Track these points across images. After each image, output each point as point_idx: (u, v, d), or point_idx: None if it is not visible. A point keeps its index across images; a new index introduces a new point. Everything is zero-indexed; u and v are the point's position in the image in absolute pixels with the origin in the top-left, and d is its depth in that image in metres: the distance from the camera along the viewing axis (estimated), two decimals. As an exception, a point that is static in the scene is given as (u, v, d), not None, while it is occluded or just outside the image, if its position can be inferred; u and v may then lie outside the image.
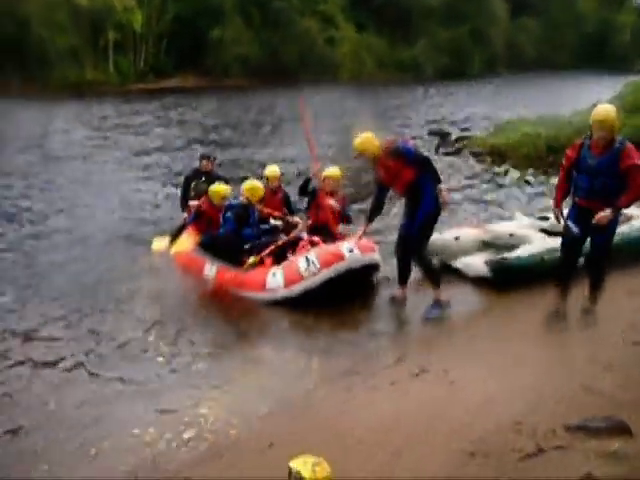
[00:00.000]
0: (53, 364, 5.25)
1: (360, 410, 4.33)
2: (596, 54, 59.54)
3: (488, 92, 34.93)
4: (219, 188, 7.34)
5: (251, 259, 6.57)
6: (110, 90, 31.94)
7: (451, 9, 50.32)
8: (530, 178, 12.65)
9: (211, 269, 6.75)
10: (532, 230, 7.35)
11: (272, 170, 7.52)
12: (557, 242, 6.64)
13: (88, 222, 9.62)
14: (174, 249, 7.30)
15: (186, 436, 4.18)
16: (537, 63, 53.67)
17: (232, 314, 6.22)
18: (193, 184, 8.11)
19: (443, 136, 17.14)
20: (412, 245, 6.03)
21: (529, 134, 14.19)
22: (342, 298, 6.01)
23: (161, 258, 7.40)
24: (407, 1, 47.47)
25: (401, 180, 5.94)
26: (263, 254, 6.59)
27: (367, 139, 6.05)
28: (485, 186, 12.15)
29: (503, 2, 54.93)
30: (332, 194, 7.20)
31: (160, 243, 7.84)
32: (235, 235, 6.80)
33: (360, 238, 6.45)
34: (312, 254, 6.28)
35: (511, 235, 7.22)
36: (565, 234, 5.41)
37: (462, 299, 6.51)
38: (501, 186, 12.18)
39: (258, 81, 36.66)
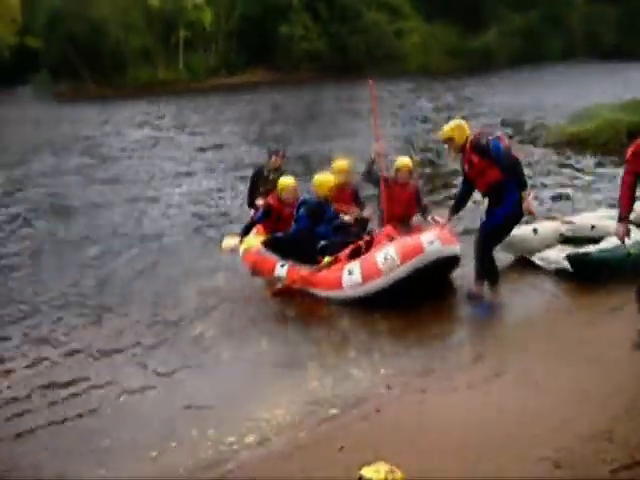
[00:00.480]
0: (121, 364, 5.28)
1: (435, 413, 4.12)
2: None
3: (563, 80, 33.61)
4: (287, 181, 7.10)
5: (326, 259, 6.30)
6: (181, 88, 32.46)
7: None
8: (610, 167, 12.05)
9: (282, 268, 6.54)
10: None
11: (340, 164, 7.29)
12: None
13: (153, 219, 9.74)
14: (243, 247, 7.19)
15: (249, 439, 4.06)
16: (616, 51, 51.39)
17: (300, 315, 6.05)
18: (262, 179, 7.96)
19: (517, 125, 16.57)
20: (481, 240, 5.75)
21: (609, 120, 13.56)
22: (415, 294, 5.72)
23: (230, 257, 7.33)
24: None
25: (484, 178, 5.61)
26: (340, 255, 6.30)
27: (457, 126, 5.74)
28: (562, 176, 11.64)
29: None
30: (404, 185, 7.01)
31: (230, 241, 7.79)
32: (309, 233, 6.56)
33: (442, 229, 6.14)
34: (391, 247, 5.94)
35: (593, 227, 6.85)
36: None
37: (541, 295, 6.20)
38: (579, 176, 11.63)
39: (328, 75, 36.57)
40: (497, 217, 5.65)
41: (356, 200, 7.32)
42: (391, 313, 5.70)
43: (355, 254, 6.30)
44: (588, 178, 11.44)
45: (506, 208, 5.59)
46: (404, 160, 7.12)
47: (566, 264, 6.25)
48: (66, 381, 5.01)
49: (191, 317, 6.08)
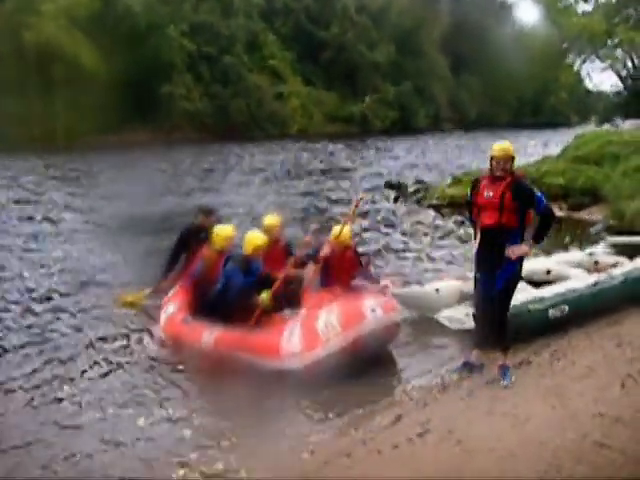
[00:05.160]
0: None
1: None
2: (535, 110, 62.16)
3: (435, 146, 35.77)
4: (227, 229, 6.64)
5: (264, 294, 5.95)
6: (59, 146, 30.98)
7: (396, 65, 51.94)
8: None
9: (210, 335, 5.97)
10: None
11: (271, 220, 7.00)
12: (543, 292, 6.65)
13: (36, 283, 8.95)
14: (163, 316, 6.59)
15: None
16: (479, 120, 55.51)
17: (224, 381, 5.68)
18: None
19: (400, 187, 17.19)
20: (506, 299, 5.40)
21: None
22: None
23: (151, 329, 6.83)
24: (354, 57, 48.76)
25: (500, 216, 5.14)
26: (275, 286, 5.99)
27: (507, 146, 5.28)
28: (449, 236, 12.17)
29: (444, 59, 57.00)
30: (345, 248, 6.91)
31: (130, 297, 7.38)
32: (242, 288, 6.07)
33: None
34: (332, 314, 5.72)
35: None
36: None
37: (448, 353, 6.33)
38: (464, 236, 12.18)
39: (209, 135, 36.65)
40: (508, 273, 5.28)
41: (289, 256, 6.94)
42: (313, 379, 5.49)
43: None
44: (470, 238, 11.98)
45: (512, 263, 5.24)
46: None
47: (470, 322, 6.43)
48: None
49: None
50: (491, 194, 5.18)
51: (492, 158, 5.24)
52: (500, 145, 5.27)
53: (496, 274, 5.26)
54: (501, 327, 5.41)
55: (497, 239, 5.20)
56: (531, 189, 5.21)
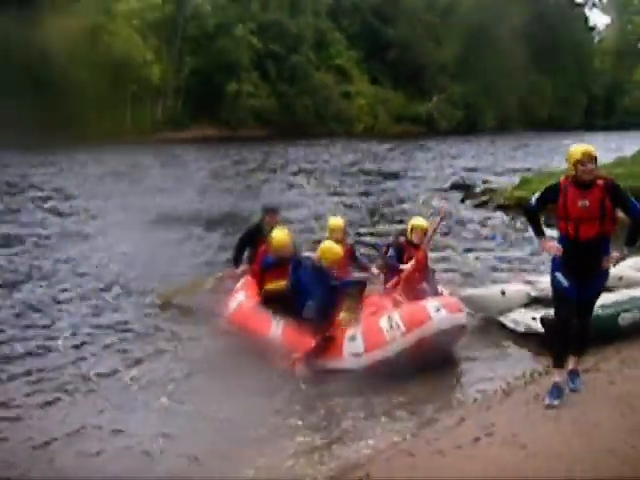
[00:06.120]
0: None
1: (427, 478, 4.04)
2: (607, 112, 60.17)
3: (502, 147, 35.15)
4: (284, 237, 6.66)
5: (344, 313, 5.93)
6: (128, 141, 31.89)
7: (463, 64, 51.26)
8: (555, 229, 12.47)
9: (277, 327, 6.03)
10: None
11: (335, 222, 6.97)
12: (614, 297, 6.49)
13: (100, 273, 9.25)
14: (232, 305, 6.68)
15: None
16: (549, 121, 54.22)
17: (288, 378, 5.72)
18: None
19: (467, 188, 17.05)
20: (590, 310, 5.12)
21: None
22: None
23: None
24: (421, 56, 48.38)
25: (600, 227, 4.70)
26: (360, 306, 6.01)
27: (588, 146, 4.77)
28: (515, 238, 11.98)
29: (513, 58, 55.79)
30: (418, 247, 6.80)
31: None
32: (307, 296, 6.00)
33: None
34: (397, 314, 5.77)
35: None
36: None
37: (513, 358, 6.27)
38: (530, 238, 11.95)
39: (274, 132, 37.05)
40: (602, 279, 4.99)
41: (353, 259, 7.00)
42: (378, 379, 5.54)
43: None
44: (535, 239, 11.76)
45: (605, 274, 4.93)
46: (418, 220, 6.93)
47: (536, 326, 6.33)
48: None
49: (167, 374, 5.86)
50: (587, 203, 4.61)
51: (577, 162, 4.61)
52: (582, 147, 4.68)
53: (582, 282, 4.87)
54: (586, 332, 5.14)
55: (596, 249, 4.75)
56: (626, 192, 4.73)
